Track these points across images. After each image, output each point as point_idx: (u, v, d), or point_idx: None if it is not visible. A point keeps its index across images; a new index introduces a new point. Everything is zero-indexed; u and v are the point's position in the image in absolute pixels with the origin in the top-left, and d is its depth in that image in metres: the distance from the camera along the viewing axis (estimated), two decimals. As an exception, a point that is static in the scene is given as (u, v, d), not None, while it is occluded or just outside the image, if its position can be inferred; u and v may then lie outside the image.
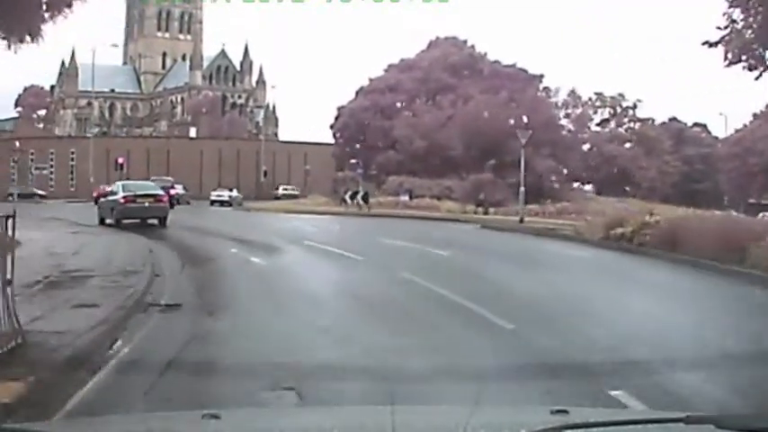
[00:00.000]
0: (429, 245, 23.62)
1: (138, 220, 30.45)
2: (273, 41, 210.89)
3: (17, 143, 78.72)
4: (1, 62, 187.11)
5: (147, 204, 30.36)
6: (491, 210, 52.91)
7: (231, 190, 73.21)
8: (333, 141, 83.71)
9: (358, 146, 79.05)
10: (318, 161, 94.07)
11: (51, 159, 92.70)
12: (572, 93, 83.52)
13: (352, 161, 60.77)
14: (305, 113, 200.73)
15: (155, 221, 30.91)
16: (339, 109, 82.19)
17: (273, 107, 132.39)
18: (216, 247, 22.86)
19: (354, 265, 18.73)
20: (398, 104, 79.15)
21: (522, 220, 34.34)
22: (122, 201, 30.12)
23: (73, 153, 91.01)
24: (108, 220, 30.69)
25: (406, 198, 58.53)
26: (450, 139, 68.10)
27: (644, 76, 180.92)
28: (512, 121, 64.66)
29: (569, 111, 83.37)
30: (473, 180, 58.81)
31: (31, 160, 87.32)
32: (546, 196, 57.63)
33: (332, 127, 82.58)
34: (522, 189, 35.55)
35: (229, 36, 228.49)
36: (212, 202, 66.98)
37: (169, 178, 60.23)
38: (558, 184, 67.69)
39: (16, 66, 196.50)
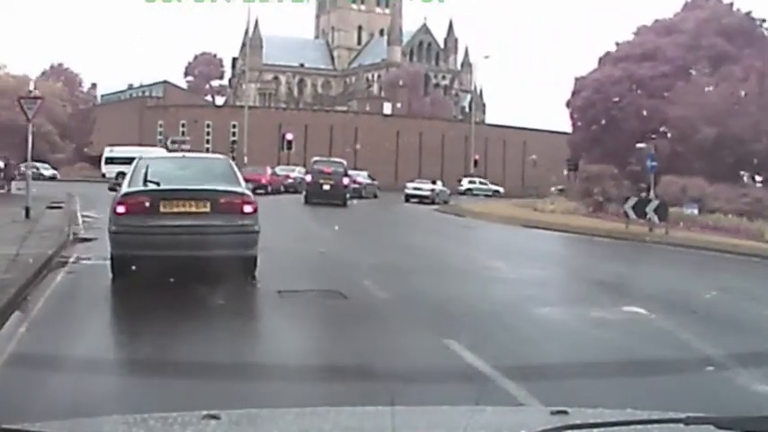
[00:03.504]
0: None
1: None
2: (478, 15, 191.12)
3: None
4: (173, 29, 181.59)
5: (191, 222, 11.05)
6: None
7: (434, 182, 55.25)
8: (570, 124, 66.89)
9: (599, 130, 61.50)
10: (540, 151, 79.75)
11: (208, 133, 78.67)
12: None
13: (640, 145, 40.41)
14: (516, 100, 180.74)
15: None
16: (578, 81, 65.19)
17: (480, 91, 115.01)
18: None
19: None
20: (661, 77, 59.98)
21: None
22: (121, 210, 10.97)
23: (234, 126, 75.02)
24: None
25: (694, 211, 38.72)
26: (746, 129, 48.57)
27: None
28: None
29: None
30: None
31: (182, 133, 73.38)
32: None
33: (568, 105, 65.19)
34: None
35: (430, 10, 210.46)
36: (408, 198, 50.52)
37: (340, 160, 41.21)
38: None
39: (192, 34, 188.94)
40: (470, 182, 73.19)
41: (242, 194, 11.43)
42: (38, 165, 59.12)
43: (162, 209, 10.85)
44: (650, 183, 35.94)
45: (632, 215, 31.39)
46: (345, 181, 36.29)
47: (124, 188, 11.28)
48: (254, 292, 11.25)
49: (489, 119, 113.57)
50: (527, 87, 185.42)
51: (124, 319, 9.26)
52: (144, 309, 9.25)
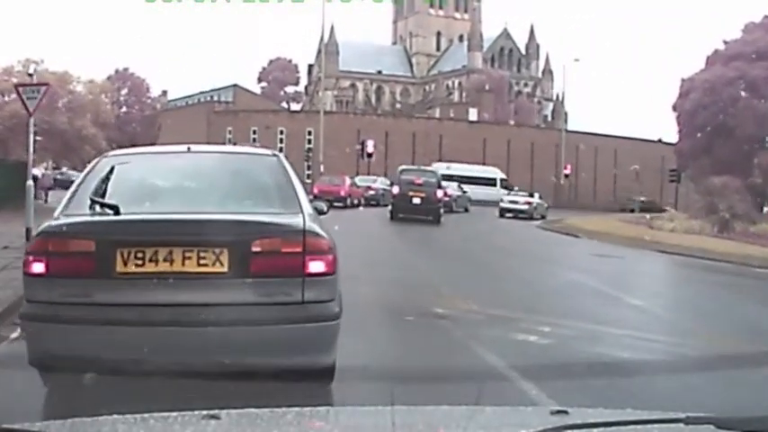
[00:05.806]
0: None
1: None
2: (559, 21, 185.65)
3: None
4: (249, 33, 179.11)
5: (186, 298, 4.89)
6: None
7: (531, 195, 50.29)
8: (677, 130, 61.85)
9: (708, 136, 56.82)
10: (633, 161, 73.12)
11: (281, 140, 73.59)
12: None
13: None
14: (596, 106, 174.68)
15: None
16: (684, 82, 60.24)
17: (562, 99, 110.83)
18: None
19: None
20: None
21: None
22: (37, 268, 4.92)
23: (310, 133, 70.62)
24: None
25: None
26: None
27: None
28: None
29: None
30: None
31: (254, 139, 68.94)
32: None
33: (674, 108, 60.67)
34: None
35: (509, 15, 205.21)
36: (502, 212, 45.51)
37: (432, 169, 36.99)
38: None
39: (267, 41, 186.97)
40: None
41: (303, 232, 5.15)
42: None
43: (120, 267, 4.92)
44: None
45: None
46: (439, 194, 31.39)
47: (55, 216, 5.32)
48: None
49: (570, 127, 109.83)
50: (607, 93, 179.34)
51: None
52: None
